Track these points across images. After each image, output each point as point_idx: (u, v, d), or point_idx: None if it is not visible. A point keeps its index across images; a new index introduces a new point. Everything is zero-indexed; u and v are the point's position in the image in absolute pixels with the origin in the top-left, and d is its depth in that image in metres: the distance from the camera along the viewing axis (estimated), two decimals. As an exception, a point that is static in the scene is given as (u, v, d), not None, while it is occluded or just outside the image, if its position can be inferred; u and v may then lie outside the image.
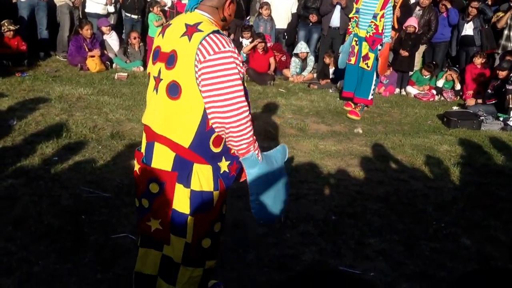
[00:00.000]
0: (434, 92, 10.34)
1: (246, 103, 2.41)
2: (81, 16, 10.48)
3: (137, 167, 2.69)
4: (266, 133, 6.75)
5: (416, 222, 4.60)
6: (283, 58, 10.82)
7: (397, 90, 10.53)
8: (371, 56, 7.89)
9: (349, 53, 8.23)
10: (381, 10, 7.67)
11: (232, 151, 2.53)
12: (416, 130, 7.76)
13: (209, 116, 2.40)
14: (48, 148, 5.50)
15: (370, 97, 8.18)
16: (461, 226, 4.58)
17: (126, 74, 9.43)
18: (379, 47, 7.81)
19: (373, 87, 8.14)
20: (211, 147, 2.49)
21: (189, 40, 2.37)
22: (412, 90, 10.40)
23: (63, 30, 10.16)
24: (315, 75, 10.73)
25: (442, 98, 10.34)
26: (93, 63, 9.49)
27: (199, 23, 2.42)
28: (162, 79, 2.48)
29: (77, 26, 9.94)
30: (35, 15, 9.91)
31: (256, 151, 2.51)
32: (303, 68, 10.60)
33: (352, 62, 8.19)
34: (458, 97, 10.37)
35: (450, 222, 4.64)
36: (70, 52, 9.70)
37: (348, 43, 8.22)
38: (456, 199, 5.17)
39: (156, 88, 2.53)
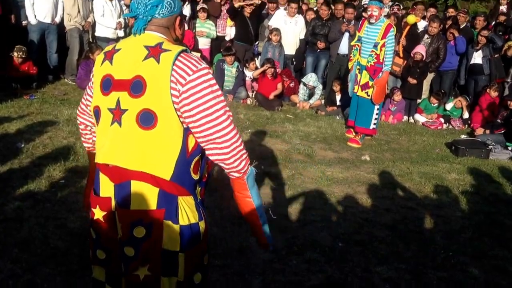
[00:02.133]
0: (442, 120, 10.33)
1: (229, 116, 2.28)
2: (90, 40, 10.56)
3: (100, 214, 2.38)
4: (273, 159, 6.73)
5: (424, 250, 4.55)
6: (292, 85, 10.85)
7: (405, 117, 10.52)
8: (371, 85, 7.90)
9: (354, 82, 8.26)
10: (382, 39, 7.70)
11: (204, 175, 2.44)
12: (424, 158, 7.73)
13: (200, 140, 2.26)
14: (55, 171, 5.51)
15: (372, 126, 8.15)
16: (469, 255, 4.54)
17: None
18: (380, 75, 7.82)
19: (375, 116, 8.11)
20: (192, 174, 2.34)
21: (158, 62, 2.20)
22: (420, 118, 10.39)
23: (73, 53, 10.22)
24: (322, 101, 10.74)
25: (450, 127, 10.32)
26: (101, 87, 9.52)
27: (161, 43, 2.27)
28: (126, 109, 2.24)
29: (87, 50, 10.01)
30: (45, 39, 9.98)
31: (251, 166, 2.43)
32: (310, 95, 10.63)
33: (355, 90, 8.21)
34: (466, 125, 10.35)
35: (458, 251, 4.60)
36: (79, 75, 9.75)
37: (354, 70, 8.25)
38: (464, 228, 5.13)
39: (116, 120, 2.27)
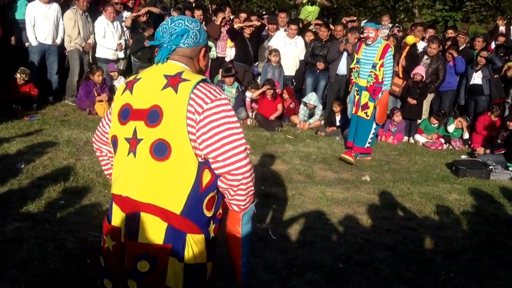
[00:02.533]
0: (443, 140, 10.33)
1: (245, 148, 2.23)
2: (91, 61, 10.61)
3: (110, 243, 2.35)
4: (273, 179, 6.72)
5: (425, 271, 4.53)
6: (292, 105, 10.88)
7: (405, 138, 10.53)
8: (371, 105, 7.98)
9: (353, 103, 8.31)
10: (380, 59, 7.81)
11: (219, 212, 2.37)
12: (424, 179, 7.72)
13: (214, 168, 2.21)
14: (55, 191, 5.50)
15: (367, 145, 8.22)
16: (471, 276, 4.51)
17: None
18: (380, 95, 7.86)
19: (371, 135, 8.19)
20: (205, 211, 2.26)
21: (176, 91, 2.16)
22: (420, 138, 10.40)
23: (73, 74, 10.26)
24: (322, 122, 10.76)
25: (451, 147, 10.32)
26: (101, 108, 9.56)
27: (181, 73, 2.23)
28: (141, 139, 2.20)
29: (87, 71, 10.05)
30: (46, 60, 10.04)
31: (253, 204, 2.38)
32: (310, 116, 10.65)
33: (354, 111, 8.28)
34: (467, 146, 10.35)
35: (459, 272, 4.57)
36: (79, 96, 9.78)
37: (353, 93, 8.32)
38: (465, 249, 5.10)
39: (132, 150, 2.23)
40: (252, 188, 2.30)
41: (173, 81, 2.19)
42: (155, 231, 2.22)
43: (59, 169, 6.25)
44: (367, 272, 4.40)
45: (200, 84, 2.19)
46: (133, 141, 2.23)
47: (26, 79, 9.32)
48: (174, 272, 2.24)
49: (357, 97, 8.16)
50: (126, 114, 2.26)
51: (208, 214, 2.29)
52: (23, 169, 6.09)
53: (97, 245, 4.35)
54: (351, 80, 8.58)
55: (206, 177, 2.24)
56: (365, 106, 8.02)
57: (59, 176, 5.93)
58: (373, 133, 8.19)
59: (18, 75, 9.24)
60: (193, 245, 2.25)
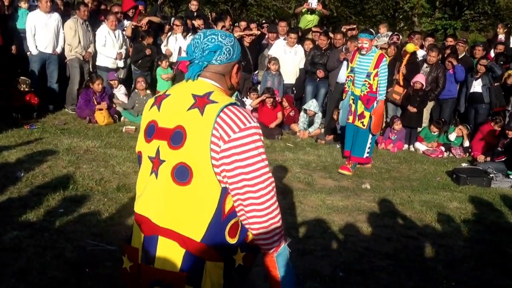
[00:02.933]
0: (443, 148, 10.31)
1: (270, 182, 2.13)
2: (91, 70, 10.63)
3: (127, 264, 2.28)
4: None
5: (426, 280, 4.50)
6: (292, 113, 10.88)
7: (406, 146, 10.50)
8: (366, 114, 7.95)
9: (348, 112, 8.29)
10: (374, 69, 7.79)
11: (247, 238, 2.23)
12: (425, 187, 7.69)
13: (237, 204, 2.11)
14: (54, 200, 5.48)
15: (366, 155, 8.18)
16: (472, 285, 4.49)
17: (134, 127, 9.48)
18: (375, 105, 7.85)
19: (368, 145, 8.14)
20: (227, 238, 2.14)
21: (201, 113, 2.05)
22: (420, 146, 10.38)
23: (73, 83, 10.27)
24: (322, 130, 10.75)
25: (451, 155, 10.30)
26: (101, 116, 9.56)
27: (209, 93, 2.12)
28: (163, 161, 2.12)
29: (87, 80, 10.07)
30: (46, 69, 10.06)
31: (285, 244, 2.25)
32: (310, 123, 10.64)
33: (350, 120, 8.23)
34: (467, 154, 10.33)
35: (461, 280, 4.54)
36: (79, 105, 9.79)
37: (347, 100, 8.29)
38: (466, 257, 5.07)
39: (154, 171, 2.16)
40: (277, 228, 2.17)
41: (201, 102, 2.09)
42: (172, 257, 2.13)
43: (58, 177, 6.24)
44: (368, 281, 4.37)
45: (228, 107, 2.08)
46: (156, 161, 2.16)
47: (27, 89, 9.34)
48: None
49: (353, 106, 8.13)
50: (151, 131, 2.20)
51: (232, 241, 2.17)
52: (22, 177, 6.08)
53: (96, 253, 4.37)
54: (344, 89, 8.56)
55: (229, 203, 2.14)
56: (362, 116, 7.99)
57: (58, 185, 5.92)
58: (370, 143, 8.16)
59: (20, 86, 9.27)
60: (212, 273, 2.15)
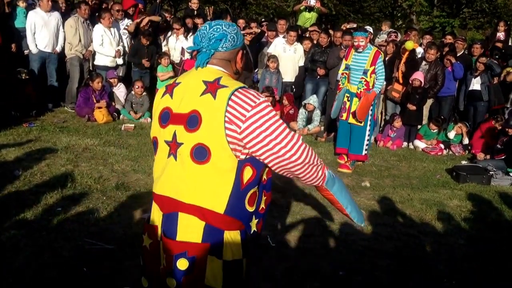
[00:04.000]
0: (442, 146, 10.29)
1: (297, 137, 2.33)
2: (91, 68, 10.59)
3: (147, 242, 2.47)
4: (273, 186, 6.67)
5: (427, 279, 4.48)
6: (291, 111, 10.85)
7: (405, 143, 10.49)
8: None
9: (341, 109, 8.26)
10: (371, 66, 7.78)
11: (261, 207, 2.46)
12: (424, 184, 7.67)
13: (274, 168, 2.35)
14: (52, 198, 5.46)
15: (364, 152, 8.16)
16: (473, 283, 4.46)
17: (133, 125, 9.47)
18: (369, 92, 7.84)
19: (366, 142, 8.13)
20: (247, 207, 2.33)
21: (214, 97, 2.23)
22: (420, 144, 10.36)
23: (73, 82, 10.25)
24: (322, 128, 10.73)
25: (451, 153, 10.28)
26: (100, 114, 9.53)
27: (219, 78, 2.30)
28: (182, 143, 2.28)
29: (87, 78, 10.03)
30: (46, 67, 10.03)
31: (327, 170, 2.58)
32: (309, 121, 10.61)
33: (344, 117, 8.21)
34: (467, 151, 10.32)
35: (462, 279, 4.51)
36: (78, 103, 9.76)
37: (342, 95, 8.25)
38: (467, 256, 5.05)
39: (172, 153, 2.33)
40: (316, 164, 2.44)
41: (212, 87, 2.26)
42: (193, 230, 2.28)
43: (56, 176, 6.22)
44: (368, 280, 4.35)
45: (238, 90, 2.25)
46: (173, 145, 2.32)
47: (27, 77, 9.40)
48: (213, 270, 2.30)
49: (347, 103, 8.11)
50: (166, 117, 2.36)
51: (250, 209, 2.36)
52: (20, 175, 6.06)
53: (94, 252, 4.34)
54: (338, 86, 8.53)
55: (247, 174, 2.31)
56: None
57: (56, 183, 5.90)
58: (368, 139, 8.14)
59: (18, 75, 9.31)
60: (231, 242, 2.31)
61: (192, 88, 2.32)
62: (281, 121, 2.29)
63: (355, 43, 7.91)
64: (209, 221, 2.27)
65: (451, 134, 10.41)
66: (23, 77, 9.36)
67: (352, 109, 8.02)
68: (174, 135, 2.31)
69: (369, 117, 7.97)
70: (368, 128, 8.03)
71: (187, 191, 2.28)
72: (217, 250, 2.29)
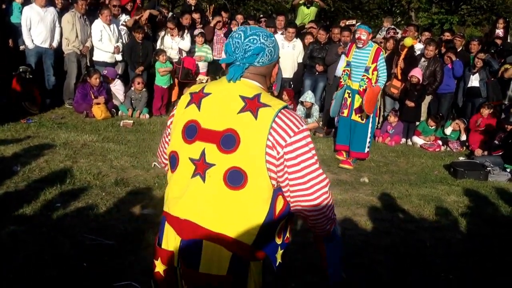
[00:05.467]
0: (440, 142, 10.32)
1: (327, 181, 2.16)
2: (88, 64, 10.57)
3: (161, 268, 2.22)
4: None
5: (425, 273, 4.50)
6: (290, 107, 10.84)
7: (403, 140, 10.52)
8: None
9: (342, 105, 8.27)
10: (373, 63, 7.79)
11: (286, 237, 2.29)
12: (423, 180, 7.69)
13: (295, 198, 2.12)
14: (51, 194, 5.46)
15: (366, 149, 8.19)
16: (470, 278, 4.48)
17: (131, 121, 9.46)
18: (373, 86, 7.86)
19: (368, 139, 8.15)
20: (276, 239, 2.16)
21: (255, 117, 2.02)
22: (418, 140, 10.38)
23: (70, 77, 10.22)
24: (320, 123, 10.74)
25: (448, 149, 10.31)
26: (98, 110, 9.53)
27: (258, 95, 2.09)
28: (213, 164, 2.05)
29: (84, 74, 10.01)
30: (43, 63, 10.01)
31: (335, 226, 2.40)
32: (307, 116, 10.62)
33: (345, 114, 8.24)
34: (464, 147, 10.35)
35: (460, 274, 4.53)
36: (76, 99, 9.75)
37: (341, 92, 8.27)
38: (464, 251, 5.08)
39: (199, 173, 2.08)
40: (329, 219, 2.25)
41: (252, 104, 2.06)
42: (219, 261, 2.08)
43: (55, 171, 6.22)
44: (367, 275, 4.37)
45: (282, 112, 2.07)
46: (201, 164, 2.09)
47: (30, 76, 9.39)
48: None
49: (349, 100, 8.12)
50: (193, 132, 2.12)
51: (279, 241, 2.20)
52: (19, 171, 6.07)
53: (94, 248, 4.34)
54: (340, 83, 8.54)
55: (279, 204, 2.14)
56: (359, 110, 7.97)
57: (55, 179, 5.90)
58: (370, 137, 8.15)
59: (23, 74, 9.35)
60: (255, 273, 2.15)
61: (226, 102, 2.10)
62: (316, 156, 2.15)
63: (357, 35, 7.86)
64: (236, 251, 2.07)
65: (448, 130, 10.44)
66: (27, 76, 9.35)
67: (355, 106, 8.04)
68: (203, 153, 2.08)
69: (371, 115, 7.97)
70: (370, 125, 8.04)
71: (216, 218, 2.07)
72: (242, 282, 2.12)
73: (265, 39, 2.15)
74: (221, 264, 2.07)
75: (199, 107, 2.14)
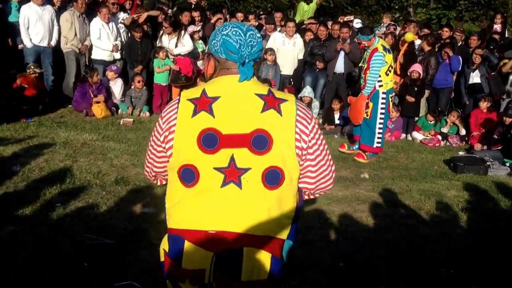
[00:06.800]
0: (440, 137, 10.32)
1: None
2: (87, 63, 10.56)
3: (191, 287, 2.07)
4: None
5: (426, 268, 4.49)
6: (296, 98, 10.87)
7: (403, 135, 10.53)
8: (370, 104, 8.01)
9: None
10: (367, 63, 7.93)
11: None
12: (423, 175, 7.69)
13: (313, 183, 2.24)
14: (51, 194, 5.45)
15: (376, 145, 8.20)
16: (471, 273, 4.47)
17: (131, 119, 9.46)
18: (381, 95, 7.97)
19: (377, 135, 8.16)
20: (296, 231, 2.20)
21: (280, 113, 2.04)
22: (417, 135, 10.39)
23: (69, 76, 10.22)
24: (320, 120, 10.74)
25: (448, 144, 10.31)
26: (98, 109, 9.52)
27: (270, 91, 2.11)
28: (248, 168, 2.00)
29: (84, 73, 9.98)
30: (41, 62, 10.00)
31: None
32: (306, 112, 10.66)
33: None
34: (464, 142, 10.35)
35: (460, 268, 4.53)
36: (75, 98, 9.74)
37: None
38: (465, 245, 5.07)
39: (233, 181, 2.00)
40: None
41: (271, 101, 2.07)
42: (261, 265, 2.03)
43: (55, 171, 6.21)
44: (368, 271, 4.36)
45: (297, 103, 2.13)
46: (231, 171, 2.01)
47: (38, 71, 9.53)
48: None
49: None
50: (213, 140, 2.01)
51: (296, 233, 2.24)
52: (18, 171, 6.05)
53: (94, 247, 4.34)
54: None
55: (297, 195, 2.18)
56: (366, 106, 8.05)
57: (55, 179, 5.89)
58: (379, 132, 8.15)
59: (30, 70, 9.40)
60: (283, 270, 2.13)
61: (244, 103, 2.06)
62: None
63: (360, 45, 8.29)
64: (274, 251, 2.05)
65: (445, 129, 10.46)
66: (31, 73, 9.39)
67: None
68: (232, 160, 2.00)
69: (380, 111, 8.02)
70: (378, 120, 8.05)
71: (258, 221, 2.01)
72: (279, 282, 2.10)
73: (258, 34, 2.19)
74: (263, 268, 2.03)
75: (212, 114, 2.04)
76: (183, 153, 2.05)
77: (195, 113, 2.05)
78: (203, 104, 2.06)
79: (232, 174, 2.00)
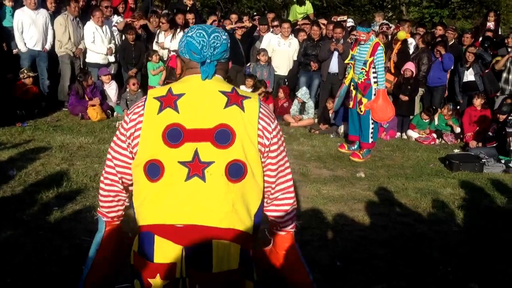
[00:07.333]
0: (435, 135, 10.36)
1: None
2: (82, 66, 10.55)
3: (160, 283, 2.08)
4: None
5: (423, 266, 4.51)
6: (286, 104, 10.88)
7: (398, 134, 10.56)
8: (364, 101, 8.07)
9: (348, 97, 8.52)
10: (370, 57, 7.92)
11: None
12: (418, 174, 7.72)
13: (272, 189, 2.26)
14: (48, 197, 5.45)
15: (370, 140, 8.24)
16: (468, 270, 4.50)
17: (127, 122, 9.43)
18: (372, 93, 8.00)
19: (371, 130, 8.21)
20: (260, 226, 2.24)
21: (242, 109, 2.11)
22: (413, 133, 10.42)
23: (64, 80, 10.21)
24: (316, 120, 10.77)
25: (443, 142, 10.35)
26: (94, 112, 9.52)
27: (234, 89, 2.18)
28: (211, 162, 2.05)
29: (79, 77, 9.94)
30: (37, 66, 9.99)
31: None
32: (300, 111, 10.69)
33: (351, 106, 8.43)
34: (459, 140, 10.38)
35: (457, 266, 4.55)
36: (71, 102, 9.75)
37: (344, 89, 8.59)
38: (461, 243, 5.10)
39: (197, 174, 2.05)
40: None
41: (235, 98, 2.14)
42: (230, 256, 2.09)
43: (52, 174, 6.21)
44: (366, 270, 4.38)
45: (261, 101, 2.22)
46: (195, 165, 2.05)
47: (32, 75, 9.52)
48: None
49: (353, 92, 8.31)
50: (177, 135, 2.06)
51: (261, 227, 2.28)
52: (15, 175, 6.05)
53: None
54: (345, 76, 8.70)
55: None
56: (360, 102, 8.12)
57: (52, 182, 5.89)
58: (372, 128, 8.20)
59: (24, 74, 9.41)
60: (256, 261, 2.23)
61: (208, 99, 2.13)
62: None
63: (357, 37, 8.15)
64: (243, 243, 2.11)
65: (435, 120, 10.54)
66: (25, 77, 9.41)
67: (358, 98, 8.20)
68: (196, 154, 2.05)
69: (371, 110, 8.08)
70: (371, 115, 8.10)
71: (223, 214, 2.06)
72: (250, 272, 2.17)
73: (224, 36, 2.24)
74: (232, 259, 2.09)
75: (177, 110, 2.11)
76: (148, 148, 2.10)
77: (160, 110, 2.12)
78: (169, 101, 2.13)
79: (196, 168, 2.06)
